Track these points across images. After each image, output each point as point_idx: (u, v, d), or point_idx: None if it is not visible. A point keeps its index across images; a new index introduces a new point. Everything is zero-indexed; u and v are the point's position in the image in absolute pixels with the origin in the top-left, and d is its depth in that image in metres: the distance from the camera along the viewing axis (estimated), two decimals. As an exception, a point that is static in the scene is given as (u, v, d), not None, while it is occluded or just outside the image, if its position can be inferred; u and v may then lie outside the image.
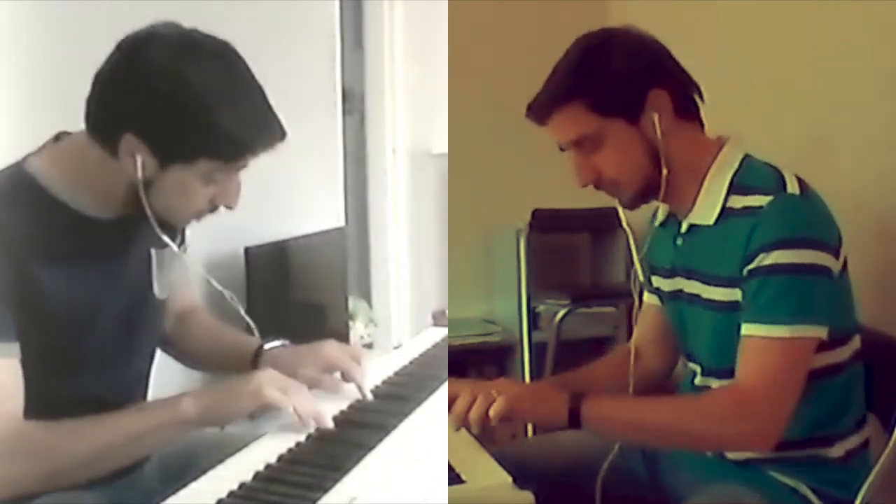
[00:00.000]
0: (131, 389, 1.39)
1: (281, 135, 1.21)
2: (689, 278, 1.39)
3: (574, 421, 1.24)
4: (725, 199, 1.31)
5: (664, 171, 1.32)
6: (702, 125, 1.38)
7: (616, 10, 3.05)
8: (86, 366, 1.26)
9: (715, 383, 1.37)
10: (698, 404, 1.29)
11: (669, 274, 1.44)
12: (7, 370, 1.14)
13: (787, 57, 2.24)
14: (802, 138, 2.19)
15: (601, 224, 2.86)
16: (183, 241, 1.48)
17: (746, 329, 1.24)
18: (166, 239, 1.26)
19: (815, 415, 1.30)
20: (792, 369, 1.23)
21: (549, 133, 1.36)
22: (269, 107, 1.21)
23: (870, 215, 1.95)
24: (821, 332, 1.24)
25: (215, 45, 1.17)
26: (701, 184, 1.34)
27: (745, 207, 1.28)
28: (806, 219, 1.25)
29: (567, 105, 1.31)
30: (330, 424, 1.26)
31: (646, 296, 1.55)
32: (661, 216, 1.47)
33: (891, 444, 1.29)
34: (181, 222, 1.28)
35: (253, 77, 1.20)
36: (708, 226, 1.33)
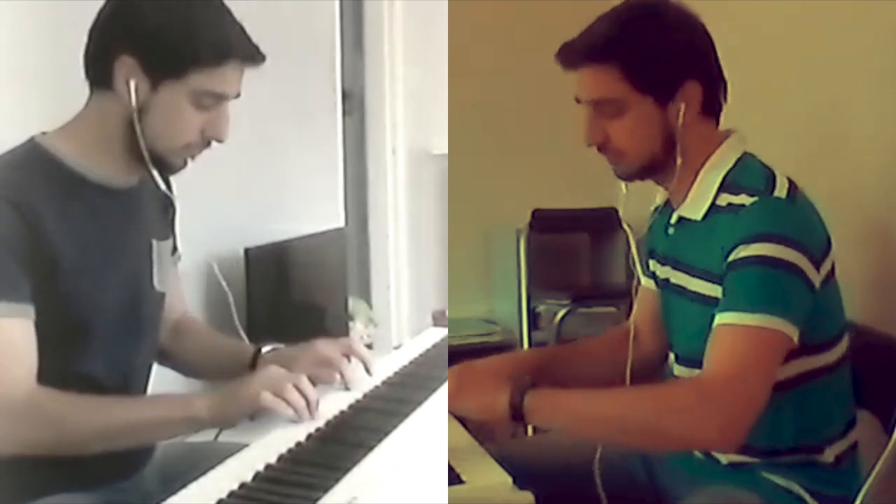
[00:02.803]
0: (133, 379, 1.39)
1: (260, 55, 1.28)
2: (675, 269, 1.40)
3: (517, 414, 1.20)
4: (715, 196, 1.31)
5: (678, 161, 1.32)
6: (717, 122, 1.38)
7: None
8: (92, 344, 1.28)
9: (686, 374, 1.38)
10: (656, 394, 1.24)
11: (662, 261, 1.45)
12: (22, 330, 1.17)
13: (787, 57, 2.24)
14: (801, 138, 2.19)
15: (601, 224, 2.87)
16: (175, 249, 1.50)
17: (717, 318, 1.22)
18: (159, 180, 1.29)
19: (804, 420, 1.30)
20: (758, 360, 1.19)
21: (575, 83, 1.34)
22: (244, 29, 1.28)
23: (868, 215, 1.95)
24: (790, 331, 1.20)
25: None
26: (696, 176, 1.34)
27: (730, 205, 1.28)
28: (786, 220, 1.24)
29: (602, 64, 1.29)
30: (315, 411, 1.28)
31: (643, 279, 1.56)
32: (658, 201, 1.48)
33: (890, 444, 1.29)
34: (174, 154, 1.28)
35: (225, 5, 1.29)
36: (696, 220, 1.34)
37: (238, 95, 1.29)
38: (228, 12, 1.28)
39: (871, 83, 1.96)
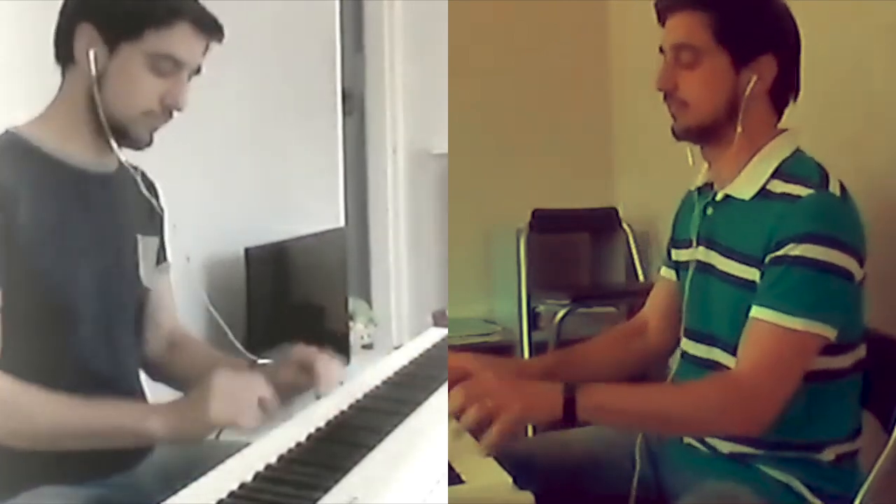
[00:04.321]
0: (124, 368, 1.39)
1: (216, 26, 1.30)
2: (709, 248, 1.41)
3: (569, 412, 1.21)
4: (767, 181, 1.33)
5: (738, 129, 1.33)
6: (779, 118, 1.40)
7: (616, 11, 3.05)
8: (76, 327, 1.28)
9: (700, 350, 1.40)
10: (695, 392, 1.29)
11: (691, 244, 1.45)
12: None
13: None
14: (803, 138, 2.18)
15: (601, 224, 2.86)
16: (165, 258, 1.51)
17: (757, 312, 1.25)
18: (118, 151, 1.30)
19: (808, 417, 1.31)
20: (794, 362, 1.24)
21: (664, 34, 1.38)
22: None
23: (869, 213, 1.95)
24: (830, 333, 1.24)
25: None
26: (749, 160, 1.35)
27: (784, 193, 1.30)
28: (841, 220, 1.27)
29: (694, 9, 1.33)
30: (273, 405, 1.24)
31: (663, 270, 1.57)
32: (699, 181, 1.48)
33: (890, 444, 1.29)
34: (133, 122, 1.29)
35: None
36: (742, 200, 1.35)
37: (199, 70, 1.31)
38: None
39: (877, 81, 1.96)
